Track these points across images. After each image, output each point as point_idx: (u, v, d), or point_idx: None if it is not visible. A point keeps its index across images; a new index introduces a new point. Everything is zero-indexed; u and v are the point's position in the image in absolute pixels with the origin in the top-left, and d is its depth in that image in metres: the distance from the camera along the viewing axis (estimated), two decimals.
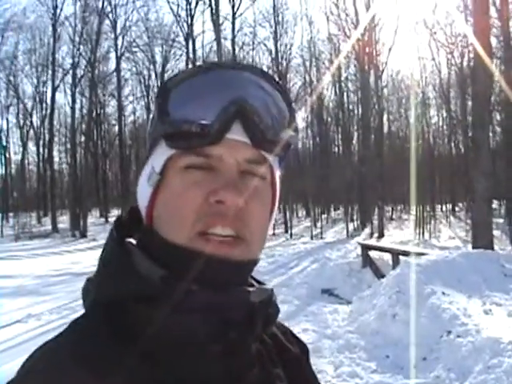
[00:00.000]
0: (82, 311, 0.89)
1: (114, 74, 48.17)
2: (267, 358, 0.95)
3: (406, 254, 12.96)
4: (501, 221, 27.99)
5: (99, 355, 0.78)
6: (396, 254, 13.38)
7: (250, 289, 0.89)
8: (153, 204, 0.90)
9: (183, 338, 0.82)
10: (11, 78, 50.02)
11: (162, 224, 0.88)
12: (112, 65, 49.03)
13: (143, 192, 0.93)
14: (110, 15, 44.66)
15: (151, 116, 0.94)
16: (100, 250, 0.92)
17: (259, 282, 0.99)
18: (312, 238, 28.10)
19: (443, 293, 8.59)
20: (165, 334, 0.82)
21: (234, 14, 34.05)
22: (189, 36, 37.44)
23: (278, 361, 0.98)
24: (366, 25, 30.36)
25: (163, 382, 0.79)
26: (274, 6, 40.01)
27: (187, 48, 38.29)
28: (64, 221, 44.60)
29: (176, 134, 0.84)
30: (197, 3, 36.79)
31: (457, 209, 45.76)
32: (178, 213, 0.85)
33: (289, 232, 31.16)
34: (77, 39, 41.87)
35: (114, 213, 58.03)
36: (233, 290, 0.86)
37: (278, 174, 0.96)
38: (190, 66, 38.20)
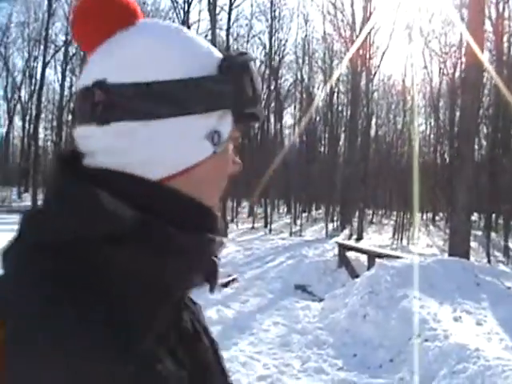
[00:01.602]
0: None
1: None
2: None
3: (382, 256, 13.02)
4: (479, 233, 28.18)
5: (52, 310, 0.71)
6: (372, 256, 13.42)
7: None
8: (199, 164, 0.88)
9: (152, 282, 0.80)
10: (2, 50, 49.70)
11: (205, 187, 0.90)
12: None
13: (191, 147, 0.87)
14: None
15: (196, 62, 0.88)
16: None
17: None
18: (291, 235, 28.13)
19: (415, 297, 8.64)
20: (140, 275, 0.78)
21: (230, 4, 33.93)
22: (184, 23, 37.19)
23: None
24: (361, 27, 30.40)
25: (125, 326, 0.75)
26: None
27: None
28: None
29: (255, 116, 0.95)
30: None
31: (437, 218, 46.02)
32: (222, 178, 0.95)
33: (268, 227, 31.17)
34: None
35: None
36: (214, 240, 0.88)
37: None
38: None
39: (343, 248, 15.58)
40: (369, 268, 12.20)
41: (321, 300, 11.15)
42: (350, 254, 15.31)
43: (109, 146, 0.84)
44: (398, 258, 12.00)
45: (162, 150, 0.84)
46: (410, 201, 31.98)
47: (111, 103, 0.82)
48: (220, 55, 0.92)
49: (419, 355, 6.91)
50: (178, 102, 0.84)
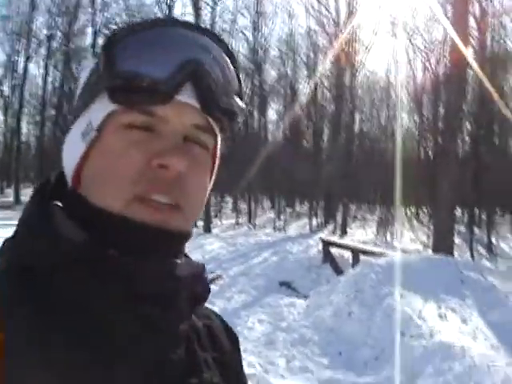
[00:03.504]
0: None
1: (90, 49, 47.63)
2: (197, 343, 0.91)
3: (366, 252, 13.06)
4: (463, 229, 28.30)
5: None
6: (356, 253, 13.47)
7: (177, 261, 0.84)
8: (83, 164, 0.83)
9: (99, 309, 0.76)
10: None
11: (94, 187, 0.81)
12: (88, 40, 48.38)
13: (74, 149, 0.85)
14: None
15: (90, 66, 0.87)
16: None
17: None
18: (275, 230, 28.12)
19: (400, 294, 8.66)
20: (82, 304, 0.75)
21: None
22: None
23: (210, 349, 0.95)
24: (345, 22, 30.45)
25: (77, 359, 0.72)
26: None
27: None
28: (27, 194, 44.10)
29: (123, 88, 0.78)
30: None
31: (420, 213, 46.17)
32: (116, 174, 0.79)
33: (252, 222, 31.13)
34: (54, 10, 41.40)
35: None
36: (157, 260, 0.80)
37: (220, 145, 0.93)
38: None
39: (327, 244, 15.61)
40: (353, 264, 12.25)
41: (305, 297, 11.15)
42: (334, 250, 15.35)
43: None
44: (382, 254, 12.04)
45: (64, 156, 0.88)
46: (393, 196, 32.15)
47: None
48: None
49: (404, 353, 6.92)
50: (76, 106, 0.89)
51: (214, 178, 0.94)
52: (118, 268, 0.76)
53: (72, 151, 0.85)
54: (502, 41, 31.69)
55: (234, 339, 1.07)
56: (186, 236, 0.86)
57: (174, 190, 0.80)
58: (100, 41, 45.32)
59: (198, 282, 0.88)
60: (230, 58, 0.88)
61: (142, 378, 0.77)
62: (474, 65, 16.36)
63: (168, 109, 0.80)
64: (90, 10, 44.04)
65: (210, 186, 0.92)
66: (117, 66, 0.78)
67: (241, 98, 0.89)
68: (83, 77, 0.88)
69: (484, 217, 30.22)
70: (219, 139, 0.91)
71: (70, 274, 0.76)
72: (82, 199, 0.81)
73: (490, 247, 23.11)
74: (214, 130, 0.87)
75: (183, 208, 0.81)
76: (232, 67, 0.88)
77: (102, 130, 0.81)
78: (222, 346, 1.00)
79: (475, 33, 27.32)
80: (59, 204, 0.84)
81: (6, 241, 0.83)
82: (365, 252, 13.30)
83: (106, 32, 44.80)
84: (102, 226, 0.78)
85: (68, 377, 0.70)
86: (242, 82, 0.93)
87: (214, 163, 0.93)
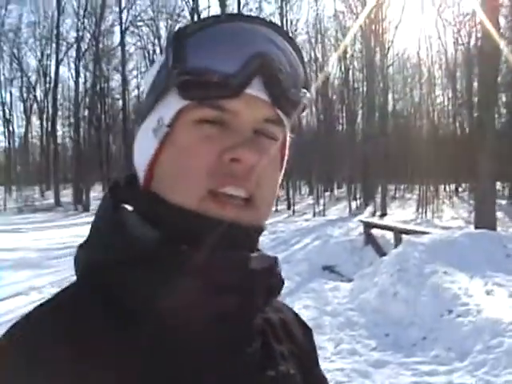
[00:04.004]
0: None
1: (119, 48, 47.95)
2: (272, 336, 0.91)
3: (408, 232, 12.96)
4: (504, 202, 27.96)
5: (82, 327, 0.72)
6: (398, 233, 13.37)
7: (251, 255, 0.83)
8: (155, 161, 0.84)
9: (173, 303, 0.76)
10: (15, 51, 49.89)
11: (166, 183, 0.82)
12: (116, 39, 48.67)
13: (146, 146, 0.86)
14: None
15: (158, 64, 0.88)
16: None
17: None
18: (314, 215, 28.07)
19: (445, 272, 8.59)
20: (155, 299, 0.76)
21: None
22: (194, 11, 37.05)
23: (285, 342, 0.94)
24: (372, 2, 30.16)
25: (151, 353, 0.74)
26: None
27: None
28: (67, 195, 44.69)
29: (194, 83, 0.79)
30: None
31: (460, 189, 45.71)
32: (189, 170, 0.79)
33: (291, 209, 31.13)
34: (81, 12, 41.81)
35: None
36: (230, 254, 0.79)
37: (289, 136, 0.92)
38: None
39: (368, 226, 15.52)
40: (395, 245, 12.16)
41: (349, 280, 11.11)
42: (376, 232, 15.25)
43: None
44: (424, 233, 11.92)
45: (136, 153, 0.90)
46: (431, 174, 31.79)
47: None
48: None
49: (452, 332, 6.87)
50: (145, 103, 0.89)
51: (283, 169, 0.94)
52: (193, 263, 0.76)
53: (144, 148, 0.87)
54: None
55: (307, 332, 1.06)
56: (258, 230, 0.86)
57: (247, 183, 0.80)
58: (128, 38, 45.66)
59: (271, 275, 0.86)
60: (293, 49, 0.88)
61: (217, 371, 0.78)
62: (507, 35, 16.07)
63: (238, 102, 0.80)
64: (116, 9, 44.42)
65: (280, 179, 0.92)
66: (186, 62, 0.80)
67: (307, 88, 0.89)
68: (151, 73, 0.89)
69: None
70: (288, 131, 0.90)
71: (146, 274, 0.77)
72: (155, 196, 0.83)
73: None
74: (283, 122, 0.86)
75: (256, 201, 0.82)
76: (297, 58, 0.88)
77: (173, 125, 0.82)
78: (296, 338, 0.99)
79: (506, 1, 26.85)
80: (130, 206, 0.86)
81: (80, 247, 0.85)
82: (406, 232, 13.20)
83: (134, 29, 45.11)
84: (175, 223, 0.80)
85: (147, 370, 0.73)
86: (307, 71, 0.92)
87: (283, 155, 0.92)
